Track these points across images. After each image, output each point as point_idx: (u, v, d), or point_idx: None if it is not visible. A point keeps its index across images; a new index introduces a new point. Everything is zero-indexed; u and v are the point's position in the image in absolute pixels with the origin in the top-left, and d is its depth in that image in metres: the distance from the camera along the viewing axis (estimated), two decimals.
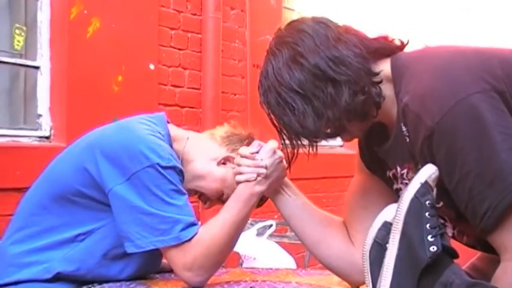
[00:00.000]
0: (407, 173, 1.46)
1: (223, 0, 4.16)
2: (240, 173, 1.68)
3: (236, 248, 2.42)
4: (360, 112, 1.42)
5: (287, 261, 3.20)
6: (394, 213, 1.27)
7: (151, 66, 3.70)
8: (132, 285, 1.68)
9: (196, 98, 4.02)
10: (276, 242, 3.34)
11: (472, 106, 1.26)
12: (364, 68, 1.40)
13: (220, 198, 1.81)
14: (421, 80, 1.35)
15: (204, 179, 1.79)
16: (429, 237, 1.24)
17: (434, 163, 1.30)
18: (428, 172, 1.28)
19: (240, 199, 1.67)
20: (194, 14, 4.02)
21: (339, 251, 1.66)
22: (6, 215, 2.56)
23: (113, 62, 3.45)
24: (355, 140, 1.62)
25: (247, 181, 1.67)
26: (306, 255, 3.35)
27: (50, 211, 1.70)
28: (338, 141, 4.65)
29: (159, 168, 1.61)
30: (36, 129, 3.23)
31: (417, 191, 1.26)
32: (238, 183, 1.69)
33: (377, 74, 1.42)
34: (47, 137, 3.23)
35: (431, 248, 1.24)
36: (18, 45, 3.24)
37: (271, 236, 3.36)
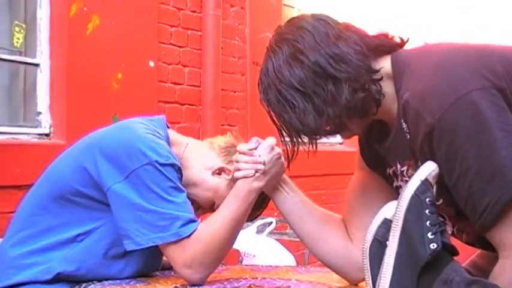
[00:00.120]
0: (407, 170, 1.46)
1: None
2: (239, 169, 1.68)
3: (236, 245, 2.42)
4: (360, 109, 1.42)
5: (287, 258, 3.21)
6: (394, 210, 1.28)
7: (151, 64, 3.69)
8: (132, 283, 1.68)
9: (196, 96, 4.02)
10: (275, 239, 3.35)
11: (472, 103, 1.27)
12: (364, 65, 1.40)
13: (211, 207, 1.82)
14: (421, 77, 1.35)
15: (198, 187, 1.79)
16: (429, 235, 1.25)
17: (434, 160, 1.30)
18: (428, 169, 1.28)
19: (239, 195, 1.67)
20: (194, 11, 4.02)
21: (337, 248, 1.66)
22: (6, 212, 2.58)
23: (112, 59, 3.45)
24: (355, 138, 1.62)
25: (246, 177, 1.67)
26: (305, 253, 3.35)
27: (50, 211, 1.70)
28: (338, 138, 4.66)
29: (158, 166, 1.61)
30: (35, 127, 3.23)
31: (417, 189, 1.27)
32: (236, 179, 1.69)
33: (377, 71, 1.42)
34: (47, 135, 3.23)
35: (431, 245, 1.24)
36: (17, 42, 3.23)
37: (271, 233, 3.37)
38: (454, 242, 1.35)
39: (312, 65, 1.40)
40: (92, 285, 1.64)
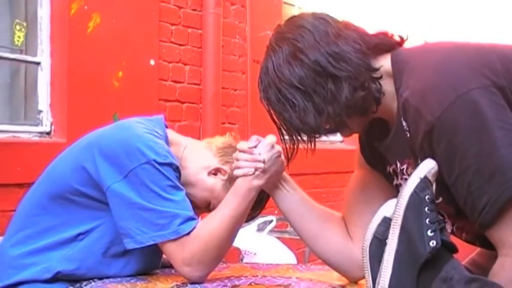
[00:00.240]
0: (407, 168, 1.47)
1: None
2: (239, 168, 1.69)
3: (236, 244, 2.42)
4: (360, 108, 1.42)
5: (287, 256, 3.21)
6: (394, 208, 1.28)
7: (152, 62, 3.70)
8: (132, 280, 1.68)
9: (197, 94, 4.03)
10: (276, 237, 3.35)
11: (472, 101, 1.27)
12: (364, 64, 1.41)
13: (207, 207, 1.82)
14: (421, 75, 1.35)
15: (194, 187, 1.79)
16: (429, 232, 1.25)
17: (434, 158, 1.30)
18: (427, 167, 1.28)
19: (239, 193, 1.67)
20: (194, 10, 4.02)
21: (337, 246, 1.66)
22: (7, 210, 2.58)
23: (113, 57, 3.45)
24: (355, 136, 1.62)
25: (245, 175, 1.67)
26: (306, 251, 3.36)
27: (49, 211, 1.70)
28: (338, 136, 4.66)
29: (156, 165, 1.62)
30: (36, 125, 3.23)
31: (416, 186, 1.27)
32: (236, 177, 1.69)
33: (377, 69, 1.42)
34: (48, 133, 3.24)
35: (430, 243, 1.24)
36: (18, 41, 3.24)
37: (271, 231, 3.37)
38: (454, 240, 1.35)
39: (311, 63, 1.40)
40: (93, 283, 1.65)
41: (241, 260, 3.14)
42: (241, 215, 1.68)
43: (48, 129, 3.23)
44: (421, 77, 1.35)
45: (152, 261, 1.78)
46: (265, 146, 1.68)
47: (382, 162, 1.56)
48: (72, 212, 1.68)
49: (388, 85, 1.43)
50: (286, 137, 1.51)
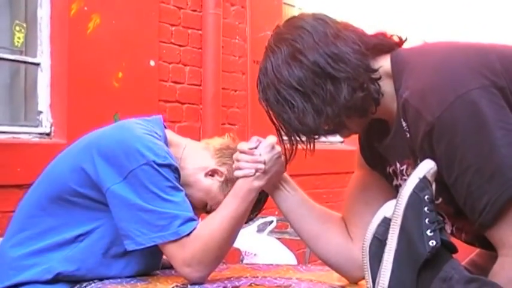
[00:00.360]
0: (407, 169, 1.47)
1: None
2: (239, 168, 1.68)
3: (237, 244, 2.42)
4: (359, 109, 1.42)
5: (288, 257, 3.21)
6: (393, 208, 1.28)
7: (152, 63, 3.70)
8: (133, 282, 1.68)
9: (197, 95, 4.02)
10: (276, 238, 3.35)
11: (472, 102, 1.27)
12: (362, 65, 1.40)
13: (205, 208, 1.82)
14: (421, 75, 1.35)
15: (191, 187, 1.79)
16: (428, 232, 1.25)
17: (434, 158, 1.30)
18: (426, 167, 1.28)
19: (239, 195, 1.67)
20: (194, 10, 4.02)
21: (337, 247, 1.67)
22: (7, 211, 2.58)
23: (113, 58, 3.45)
24: (355, 136, 1.62)
25: (246, 176, 1.67)
26: (306, 251, 3.36)
27: (48, 212, 1.70)
28: (338, 137, 4.66)
29: (155, 166, 1.62)
30: (36, 126, 3.23)
31: (416, 186, 1.27)
32: (236, 178, 1.69)
33: (376, 70, 1.42)
34: (48, 134, 3.23)
35: (430, 243, 1.24)
36: (18, 42, 3.24)
37: (271, 232, 3.37)
38: (453, 241, 1.35)
39: (310, 64, 1.40)
40: (93, 284, 1.65)
41: (242, 260, 3.14)
42: (241, 216, 1.68)
43: (48, 130, 3.23)
44: (421, 78, 1.35)
45: (152, 262, 1.78)
46: (265, 147, 1.68)
47: (382, 162, 1.57)
48: (71, 213, 1.69)
49: (387, 86, 1.43)
50: (285, 138, 1.51)
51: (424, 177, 1.27)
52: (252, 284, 1.68)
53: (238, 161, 1.69)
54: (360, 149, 1.66)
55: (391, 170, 1.53)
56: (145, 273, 1.76)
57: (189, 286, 1.63)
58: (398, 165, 1.49)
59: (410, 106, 1.34)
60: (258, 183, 1.67)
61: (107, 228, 1.68)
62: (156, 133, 1.73)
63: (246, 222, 1.82)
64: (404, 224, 1.26)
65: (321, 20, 1.46)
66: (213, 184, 1.81)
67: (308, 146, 1.48)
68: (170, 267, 1.77)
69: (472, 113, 1.27)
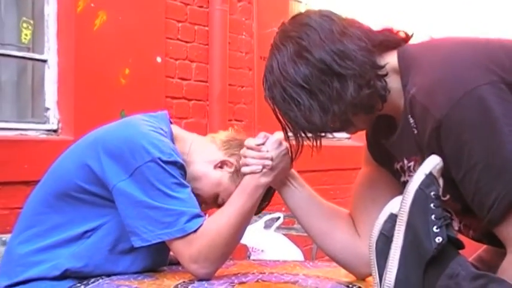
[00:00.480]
0: (414, 165, 1.46)
1: None
2: (246, 165, 1.68)
3: (244, 241, 2.42)
4: (365, 106, 1.42)
5: (295, 253, 3.21)
6: (399, 205, 1.27)
7: (159, 59, 3.70)
8: (140, 278, 1.68)
9: (204, 91, 4.03)
10: (283, 234, 3.35)
11: (480, 98, 1.26)
12: (369, 62, 1.40)
13: (216, 202, 1.82)
14: (428, 71, 1.35)
15: (200, 181, 1.79)
16: (434, 228, 1.24)
17: (442, 155, 1.30)
18: (432, 163, 1.28)
19: (246, 191, 1.67)
20: (201, 7, 4.02)
21: (345, 243, 1.66)
22: (14, 208, 2.59)
23: (120, 55, 3.46)
24: (362, 132, 1.62)
25: (253, 173, 1.67)
26: (313, 248, 3.35)
27: (55, 209, 1.71)
28: (345, 133, 4.66)
29: (161, 163, 1.62)
30: (43, 123, 3.24)
31: (422, 182, 1.26)
32: (244, 174, 1.69)
33: (382, 67, 1.42)
34: (55, 131, 3.25)
35: (436, 239, 1.24)
36: (25, 38, 3.25)
37: (278, 228, 3.36)
38: (461, 237, 1.34)
39: (316, 62, 1.40)
40: (100, 281, 1.65)
41: (248, 257, 3.14)
42: (248, 212, 1.68)
43: (55, 127, 3.24)
44: (428, 74, 1.34)
45: (159, 258, 1.78)
46: (272, 143, 1.67)
47: (389, 159, 1.56)
48: (78, 210, 1.69)
49: (394, 82, 1.42)
50: (291, 136, 1.50)
51: (430, 173, 1.27)
52: (259, 280, 1.68)
53: (245, 157, 1.69)
54: (368, 146, 1.66)
55: (398, 167, 1.53)
56: (152, 270, 1.76)
57: (196, 282, 1.63)
58: (405, 161, 1.49)
59: (418, 102, 1.33)
60: (265, 180, 1.67)
61: (113, 225, 1.68)
62: (162, 129, 1.73)
63: None
64: (410, 220, 1.26)
65: (326, 17, 1.45)
66: (223, 176, 1.81)
67: (314, 143, 1.48)
68: (177, 263, 1.77)
69: (480, 109, 1.26)
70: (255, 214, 1.82)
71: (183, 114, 3.86)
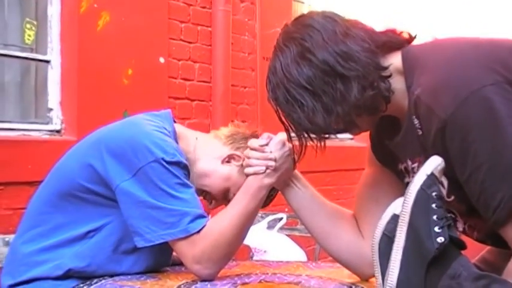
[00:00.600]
0: (418, 166, 1.45)
1: None
2: (249, 166, 1.68)
3: (247, 241, 2.42)
4: (369, 107, 1.41)
5: (298, 254, 3.21)
6: (401, 205, 1.27)
7: (162, 60, 3.70)
8: (142, 278, 1.68)
9: (207, 91, 4.03)
10: (286, 234, 3.35)
11: (485, 98, 1.25)
12: (372, 63, 1.39)
13: (226, 197, 1.82)
14: (433, 72, 1.34)
15: (209, 178, 1.79)
16: (436, 229, 1.24)
17: (446, 155, 1.29)
18: (434, 164, 1.28)
19: (249, 192, 1.67)
20: (204, 7, 4.02)
21: (348, 244, 1.66)
22: (18, 208, 2.60)
23: (123, 55, 3.46)
24: (366, 133, 1.62)
25: (256, 174, 1.67)
26: (316, 248, 3.35)
27: (59, 209, 1.71)
28: (348, 134, 4.66)
29: (164, 163, 1.62)
30: (47, 123, 3.25)
31: (423, 183, 1.26)
32: (247, 175, 1.69)
33: (386, 68, 1.41)
34: (58, 131, 3.25)
35: (438, 239, 1.23)
36: (28, 39, 3.25)
37: (281, 228, 3.37)
38: (464, 239, 1.34)
39: (320, 63, 1.39)
40: (103, 281, 1.65)
41: (251, 257, 3.14)
42: (251, 213, 1.68)
43: (58, 127, 3.25)
44: (433, 74, 1.34)
45: (162, 258, 1.78)
46: (276, 144, 1.67)
47: (393, 160, 1.56)
48: (81, 210, 1.69)
49: (398, 83, 1.42)
50: (295, 137, 1.50)
51: (432, 173, 1.27)
52: (262, 281, 1.68)
53: (248, 158, 1.69)
54: (371, 146, 1.66)
55: (402, 168, 1.52)
56: (155, 270, 1.76)
57: (198, 283, 1.63)
58: (409, 162, 1.48)
59: (423, 103, 1.33)
60: (268, 181, 1.67)
61: (116, 225, 1.68)
62: (165, 128, 1.73)
63: None
64: (412, 221, 1.25)
65: (329, 18, 1.45)
66: (231, 170, 1.81)
67: (318, 144, 1.48)
68: (180, 264, 1.78)
69: (485, 109, 1.25)
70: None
71: (186, 115, 3.86)
